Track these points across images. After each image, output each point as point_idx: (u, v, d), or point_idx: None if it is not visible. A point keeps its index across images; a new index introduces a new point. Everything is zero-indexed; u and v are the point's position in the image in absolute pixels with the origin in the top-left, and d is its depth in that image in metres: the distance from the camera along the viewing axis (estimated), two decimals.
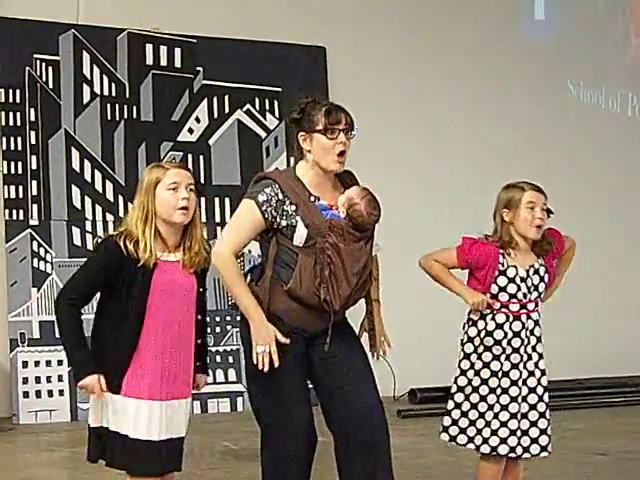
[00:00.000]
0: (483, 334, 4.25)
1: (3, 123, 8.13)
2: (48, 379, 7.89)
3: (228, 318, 8.15)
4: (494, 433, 4.23)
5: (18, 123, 8.17)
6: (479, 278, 4.26)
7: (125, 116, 8.53)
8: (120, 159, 8.47)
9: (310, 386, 3.91)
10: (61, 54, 8.35)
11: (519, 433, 4.23)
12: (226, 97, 8.91)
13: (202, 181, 8.57)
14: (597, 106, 10.66)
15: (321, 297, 3.73)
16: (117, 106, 8.52)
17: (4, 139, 8.13)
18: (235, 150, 8.90)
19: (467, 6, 9.93)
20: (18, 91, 8.19)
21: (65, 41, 8.38)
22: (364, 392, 3.84)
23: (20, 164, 8.15)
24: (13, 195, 8.09)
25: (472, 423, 4.27)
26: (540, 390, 4.29)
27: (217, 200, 8.73)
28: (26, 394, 7.82)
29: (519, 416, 4.23)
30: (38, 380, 7.87)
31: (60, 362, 7.90)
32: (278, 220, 3.77)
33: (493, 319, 4.24)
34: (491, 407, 4.24)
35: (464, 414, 4.29)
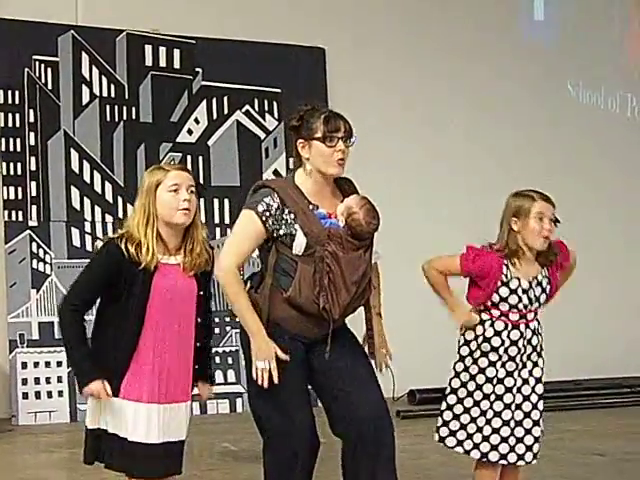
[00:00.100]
0: (481, 339, 4.24)
1: (2, 124, 8.13)
2: (47, 380, 7.88)
3: (227, 319, 8.14)
4: (485, 439, 4.22)
5: (17, 124, 8.17)
6: (481, 286, 4.24)
7: (124, 117, 8.53)
8: (119, 160, 8.47)
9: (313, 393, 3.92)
10: (60, 55, 8.35)
11: (512, 441, 4.22)
12: (225, 98, 8.91)
13: (201, 182, 8.56)
14: (596, 106, 10.66)
15: (320, 305, 3.73)
16: (116, 107, 8.52)
17: (3, 140, 8.13)
18: (234, 151, 8.90)
19: (467, 6, 9.93)
20: (17, 92, 8.19)
21: (64, 42, 8.37)
22: (367, 392, 3.84)
23: (19, 165, 8.15)
24: (12, 196, 8.09)
25: (463, 427, 4.27)
26: (534, 398, 4.27)
27: (216, 201, 8.73)
28: (25, 395, 7.81)
29: (512, 424, 4.22)
30: (37, 381, 7.86)
31: (59, 363, 7.90)
32: (277, 229, 3.77)
33: (492, 326, 4.23)
34: (484, 413, 4.23)
35: (456, 417, 4.29)
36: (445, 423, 4.31)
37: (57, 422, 7.74)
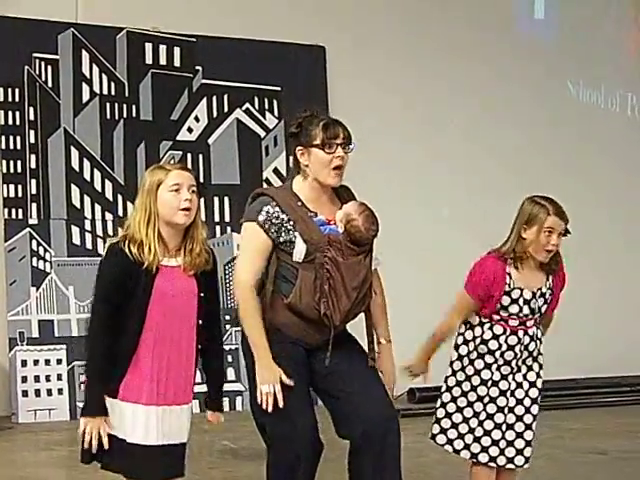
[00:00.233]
0: (478, 341, 4.24)
1: (2, 122, 8.13)
2: (47, 378, 7.88)
3: (227, 317, 8.14)
4: (477, 440, 4.23)
5: (17, 122, 8.17)
6: (486, 305, 4.22)
7: (124, 115, 8.53)
8: (119, 158, 8.47)
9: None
10: (60, 53, 8.35)
11: (503, 444, 4.22)
12: (225, 96, 8.91)
13: (201, 180, 8.56)
14: (596, 105, 10.66)
15: (321, 311, 3.75)
16: (116, 105, 8.52)
17: (3, 138, 8.12)
18: (234, 149, 8.90)
19: (467, 6, 9.92)
20: (17, 90, 8.18)
21: (64, 40, 8.37)
22: (369, 391, 3.85)
23: (19, 163, 8.14)
24: (12, 194, 8.08)
25: (454, 425, 4.27)
26: (527, 402, 4.27)
27: (216, 199, 8.73)
28: (25, 393, 7.82)
29: (504, 427, 4.22)
30: (37, 379, 7.87)
31: (59, 361, 7.91)
32: (278, 236, 3.79)
33: (490, 329, 4.23)
34: (477, 414, 4.23)
35: (448, 415, 4.29)
36: (437, 420, 4.33)
37: (57, 420, 7.74)
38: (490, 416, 4.22)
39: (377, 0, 9.60)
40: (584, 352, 9.49)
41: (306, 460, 3.81)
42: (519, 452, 4.25)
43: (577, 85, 10.56)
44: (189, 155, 8.71)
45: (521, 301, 4.18)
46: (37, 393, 7.84)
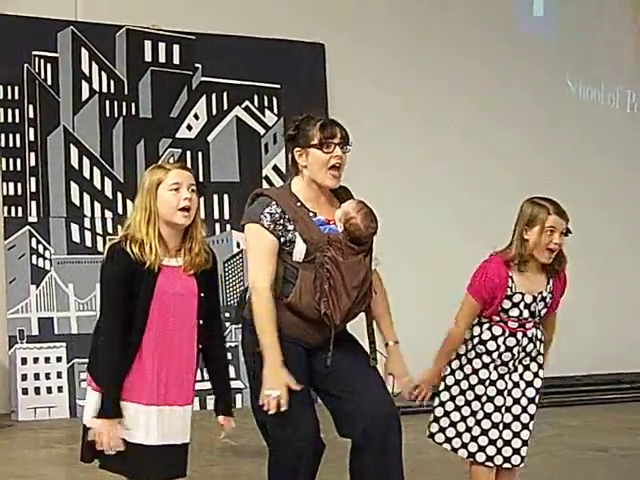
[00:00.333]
0: (477, 340, 4.24)
1: (2, 120, 8.13)
2: (47, 376, 7.89)
3: (227, 314, 8.15)
4: (474, 439, 4.23)
5: (17, 120, 8.17)
6: (487, 308, 4.22)
7: (124, 113, 8.53)
8: (119, 156, 8.47)
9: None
10: (60, 51, 8.35)
11: (499, 443, 4.22)
12: (225, 94, 8.91)
13: (201, 178, 8.56)
14: (596, 103, 10.66)
15: (322, 311, 3.75)
16: (116, 103, 8.52)
17: (3, 136, 8.12)
18: (234, 147, 8.90)
19: (467, 6, 9.92)
20: (17, 88, 8.18)
21: (64, 38, 8.37)
22: (369, 389, 3.85)
23: (19, 161, 8.15)
24: (12, 192, 8.09)
25: (453, 424, 4.28)
26: (524, 401, 4.27)
27: (216, 197, 8.73)
28: (25, 391, 7.82)
29: (501, 426, 4.23)
30: (37, 377, 7.87)
31: (59, 359, 7.91)
32: (279, 236, 3.79)
33: (489, 329, 4.23)
34: (474, 413, 4.24)
35: (446, 413, 4.30)
36: (436, 419, 4.33)
37: (56, 418, 7.75)
38: (487, 415, 4.23)
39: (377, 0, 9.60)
40: (584, 349, 9.50)
41: (307, 460, 3.80)
42: (515, 451, 4.25)
43: (577, 82, 10.56)
44: (188, 153, 8.72)
45: (522, 305, 4.18)
46: (37, 391, 7.85)
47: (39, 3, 8.22)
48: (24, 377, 7.84)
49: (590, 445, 6.79)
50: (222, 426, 3.78)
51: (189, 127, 8.78)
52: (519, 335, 4.22)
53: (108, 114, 8.48)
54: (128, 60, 8.58)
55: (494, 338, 4.22)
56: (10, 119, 8.15)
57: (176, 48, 8.77)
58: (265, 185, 8.60)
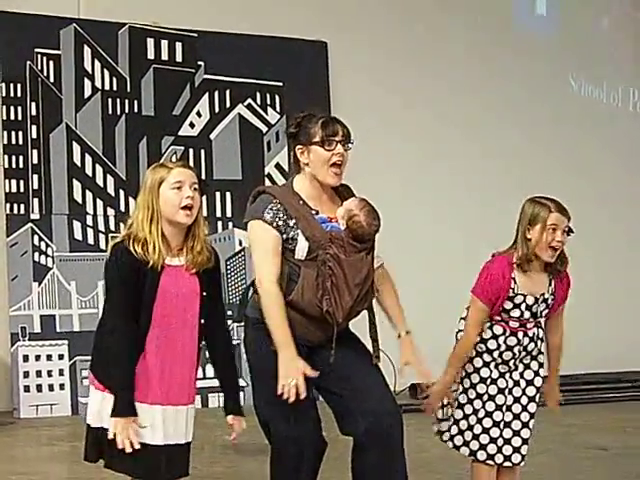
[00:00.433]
0: (477, 339, 4.25)
1: (4, 117, 8.14)
2: (49, 373, 7.90)
3: (229, 312, 8.15)
4: (475, 437, 4.23)
5: (19, 117, 8.18)
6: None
7: (126, 110, 8.54)
8: (121, 153, 8.48)
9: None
10: (62, 48, 8.36)
11: (500, 442, 4.23)
12: (227, 91, 8.92)
13: (203, 176, 8.57)
14: (598, 101, 10.66)
15: (324, 309, 3.74)
16: (118, 100, 8.53)
17: (5, 133, 8.14)
18: (236, 144, 8.91)
19: (468, 3, 9.92)
20: (19, 85, 8.19)
21: (66, 35, 8.38)
22: (371, 387, 3.85)
23: (21, 158, 8.16)
24: (14, 189, 8.10)
25: (455, 422, 4.29)
26: (525, 400, 4.27)
27: (218, 195, 8.74)
28: (27, 388, 7.83)
29: (502, 425, 4.23)
30: (39, 374, 7.88)
31: (61, 356, 7.92)
32: (282, 233, 3.78)
33: (490, 328, 4.23)
34: (476, 411, 4.24)
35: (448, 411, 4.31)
36: (439, 418, 4.34)
37: (58, 415, 7.76)
38: (489, 414, 4.23)
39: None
40: (584, 348, 9.49)
41: (309, 459, 3.81)
42: (516, 450, 4.26)
43: (579, 80, 10.56)
44: (191, 150, 8.72)
45: (523, 306, 4.18)
46: (39, 388, 7.86)
47: (42, 1, 8.24)
48: (26, 374, 7.86)
49: (590, 444, 6.79)
50: (231, 426, 3.78)
51: (192, 125, 8.79)
52: (520, 334, 4.22)
53: (111, 111, 8.49)
54: (130, 58, 8.59)
55: (495, 337, 4.22)
56: (13, 116, 8.16)
57: (179, 46, 8.78)
58: (267, 183, 8.61)
